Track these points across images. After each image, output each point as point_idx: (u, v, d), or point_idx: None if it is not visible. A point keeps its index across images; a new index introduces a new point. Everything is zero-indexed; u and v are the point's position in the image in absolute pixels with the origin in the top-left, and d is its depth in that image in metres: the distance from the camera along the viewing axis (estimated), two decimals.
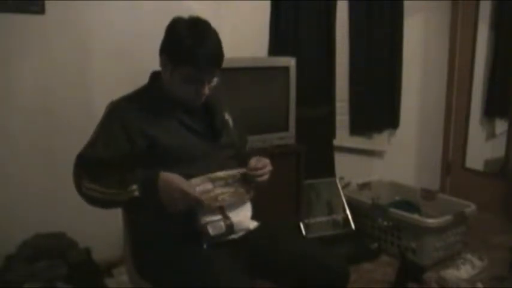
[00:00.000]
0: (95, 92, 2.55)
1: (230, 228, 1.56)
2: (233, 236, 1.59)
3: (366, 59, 3.46)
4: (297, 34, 3.11)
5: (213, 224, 1.53)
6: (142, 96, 1.64)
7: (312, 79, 3.16)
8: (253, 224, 1.65)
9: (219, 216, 1.55)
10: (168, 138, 1.55)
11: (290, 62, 2.79)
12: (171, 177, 1.45)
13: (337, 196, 3.13)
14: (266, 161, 1.64)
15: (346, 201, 3.12)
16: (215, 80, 1.61)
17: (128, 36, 2.60)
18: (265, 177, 1.63)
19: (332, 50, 3.27)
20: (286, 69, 2.77)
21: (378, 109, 3.58)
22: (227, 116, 1.73)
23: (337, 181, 3.19)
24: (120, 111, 1.58)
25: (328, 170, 3.24)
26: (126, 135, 1.53)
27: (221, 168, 1.57)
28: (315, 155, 3.03)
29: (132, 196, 1.45)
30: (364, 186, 3.48)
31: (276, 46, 3.06)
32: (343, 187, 3.25)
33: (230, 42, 2.81)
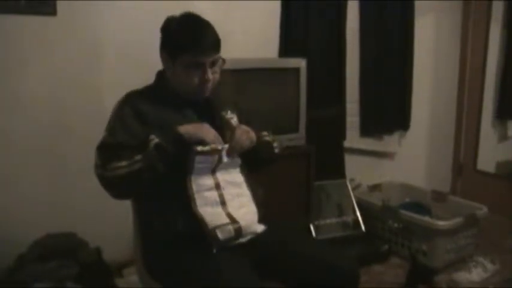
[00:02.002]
0: (105, 94, 2.55)
1: (239, 231, 1.55)
2: (241, 240, 1.58)
3: (376, 60, 3.45)
4: (307, 35, 3.10)
5: (222, 228, 1.52)
6: (150, 93, 1.69)
7: (322, 80, 3.16)
8: (260, 228, 1.64)
9: (227, 220, 1.55)
10: None
11: (301, 63, 2.78)
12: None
13: (347, 197, 3.12)
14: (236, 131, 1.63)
15: (357, 202, 3.11)
16: (218, 65, 1.65)
17: (138, 39, 2.60)
18: (241, 143, 1.61)
19: (342, 50, 3.26)
20: (296, 71, 2.77)
21: (388, 110, 3.57)
22: (230, 114, 1.73)
23: (348, 182, 3.17)
24: (132, 101, 1.63)
25: (339, 171, 3.23)
26: (140, 121, 1.58)
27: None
28: (325, 156, 3.02)
29: (153, 145, 1.46)
30: (375, 187, 3.47)
31: (287, 47, 3.05)
32: (354, 188, 3.24)
33: (241, 44, 2.85)
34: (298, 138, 2.81)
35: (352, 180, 3.29)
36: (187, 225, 1.54)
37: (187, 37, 1.59)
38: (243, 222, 1.57)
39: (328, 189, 3.09)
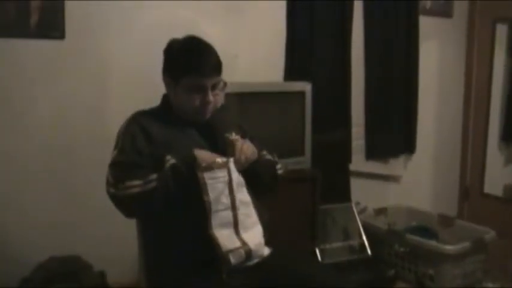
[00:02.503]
0: (109, 116, 2.55)
1: (249, 254, 1.55)
2: (248, 263, 1.57)
3: (381, 83, 3.46)
4: (312, 59, 3.12)
5: (234, 252, 1.52)
6: (155, 114, 1.71)
7: (327, 103, 3.16)
8: (267, 251, 1.64)
9: (239, 243, 1.54)
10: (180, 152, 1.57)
11: (306, 86, 2.80)
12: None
13: (353, 221, 3.10)
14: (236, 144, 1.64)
15: (362, 226, 3.08)
16: (219, 88, 1.66)
17: (145, 63, 2.61)
18: (245, 153, 1.62)
19: (348, 73, 3.27)
20: (301, 94, 2.78)
21: (394, 133, 3.57)
22: (235, 136, 1.73)
23: (353, 206, 3.15)
24: (139, 120, 1.65)
25: (344, 194, 3.21)
26: (146, 140, 1.59)
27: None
28: (331, 179, 3.01)
29: (169, 165, 1.48)
30: (381, 211, 3.44)
31: (292, 70, 3.07)
32: (359, 212, 3.22)
33: (246, 67, 2.87)
34: (303, 161, 2.81)
35: (357, 203, 3.27)
36: (199, 247, 1.53)
37: (189, 60, 1.62)
38: (252, 245, 1.56)
39: (334, 213, 3.07)
